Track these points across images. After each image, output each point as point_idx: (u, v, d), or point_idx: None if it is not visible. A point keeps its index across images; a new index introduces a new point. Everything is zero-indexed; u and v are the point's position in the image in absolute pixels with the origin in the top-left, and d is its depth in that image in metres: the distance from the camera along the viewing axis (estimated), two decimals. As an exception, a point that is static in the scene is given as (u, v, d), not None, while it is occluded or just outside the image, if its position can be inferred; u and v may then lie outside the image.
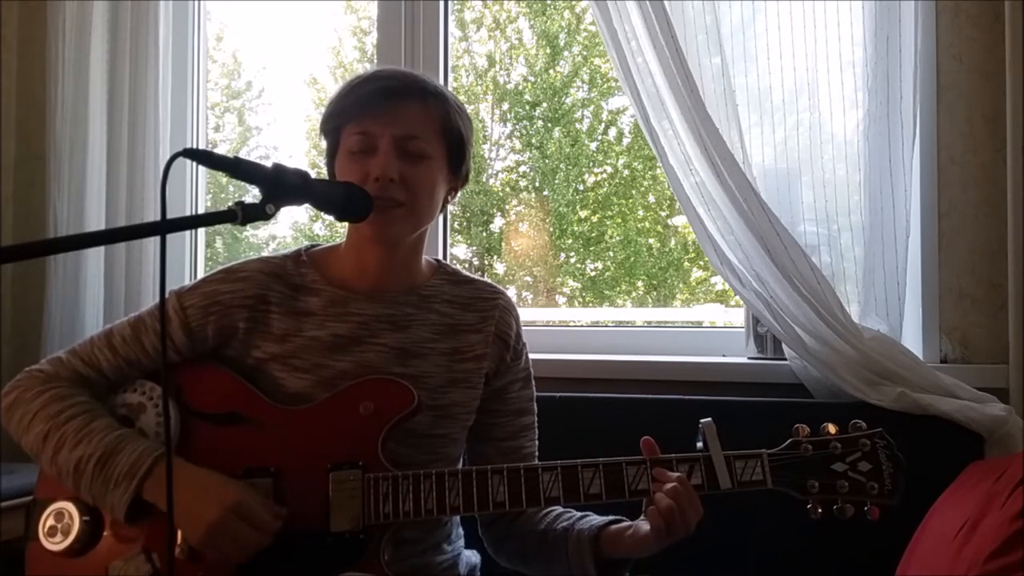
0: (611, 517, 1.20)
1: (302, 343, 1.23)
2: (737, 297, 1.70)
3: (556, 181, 2.66)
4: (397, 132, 1.20)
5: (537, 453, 1.36)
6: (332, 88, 2.74)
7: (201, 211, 2.33)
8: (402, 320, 1.27)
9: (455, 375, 1.28)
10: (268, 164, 1.02)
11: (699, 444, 1.15)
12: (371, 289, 1.27)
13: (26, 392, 1.19)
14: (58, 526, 1.17)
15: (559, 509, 1.27)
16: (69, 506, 1.17)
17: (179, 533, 1.13)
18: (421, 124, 1.22)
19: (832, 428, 1.15)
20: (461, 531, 1.37)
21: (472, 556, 1.38)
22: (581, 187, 2.69)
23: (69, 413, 1.16)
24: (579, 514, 1.25)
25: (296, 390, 1.21)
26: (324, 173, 1.30)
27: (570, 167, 2.66)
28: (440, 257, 2.13)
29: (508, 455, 1.31)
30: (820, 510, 1.12)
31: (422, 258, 1.33)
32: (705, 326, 2.33)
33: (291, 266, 1.28)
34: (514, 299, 1.39)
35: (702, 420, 1.15)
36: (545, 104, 2.72)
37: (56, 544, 1.16)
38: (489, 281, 1.37)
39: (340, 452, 1.15)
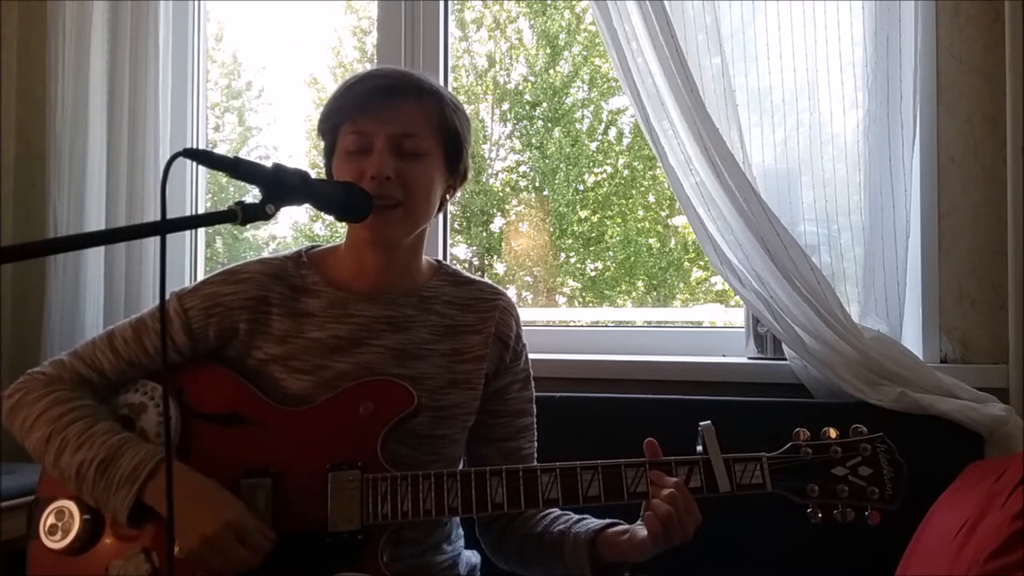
0: (608, 520, 1.20)
1: (303, 344, 1.23)
2: (737, 297, 1.70)
3: (556, 181, 2.67)
4: (392, 130, 1.19)
5: (536, 454, 1.36)
6: (332, 88, 2.74)
7: (201, 211, 2.33)
8: (402, 321, 1.27)
9: (455, 376, 1.28)
10: (268, 164, 1.02)
11: (699, 447, 1.15)
12: (371, 290, 1.27)
13: (28, 395, 1.20)
14: (59, 524, 1.17)
15: (557, 511, 1.27)
16: (70, 505, 1.17)
17: None
18: (416, 122, 1.22)
19: (833, 432, 1.15)
20: (461, 531, 1.37)
21: (472, 556, 1.38)
22: (581, 187, 2.69)
23: (71, 417, 1.16)
24: (576, 517, 1.24)
25: (297, 391, 1.21)
26: (324, 173, 1.30)
27: (570, 167, 2.66)
28: (440, 257, 2.13)
29: (507, 456, 1.31)
30: (820, 514, 1.12)
31: (422, 259, 1.32)
32: (705, 326, 2.33)
33: (291, 267, 1.28)
34: (514, 299, 1.39)
35: (701, 423, 1.15)
36: (545, 104, 2.72)
37: (56, 542, 1.16)
38: (489, 282, 1.37)
39: (340, 453, 1.15)
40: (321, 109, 1.28)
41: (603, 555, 1.17)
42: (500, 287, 1.37)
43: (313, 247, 1.34)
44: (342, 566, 1.10)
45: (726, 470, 1.12)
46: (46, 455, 1.15)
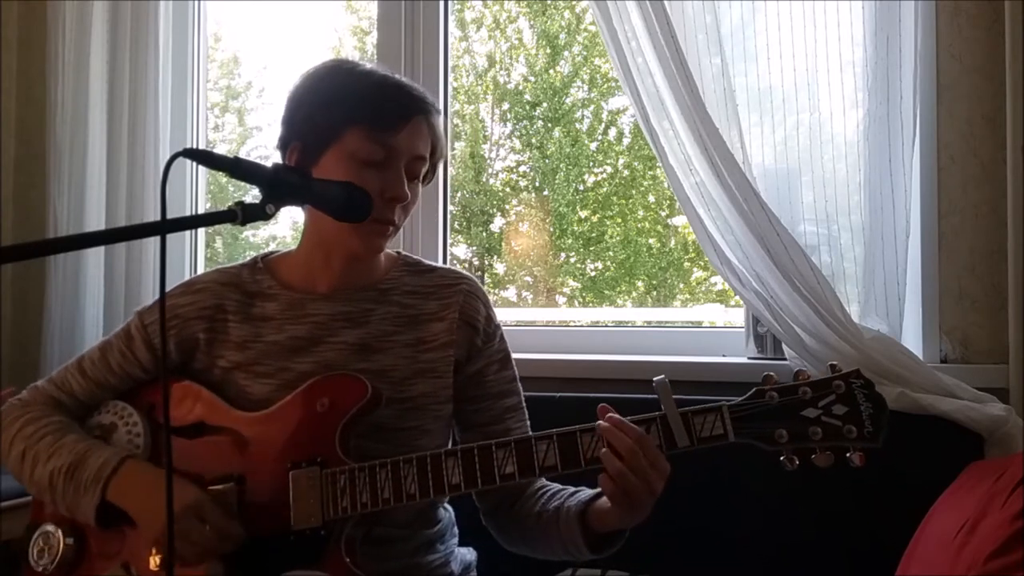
0: (597, 490, 1.14)
1: (263, 349, 1.24)
2: (737, 297, 1.70)
3: (556, 181, 2.66)
4: (413, 155, 1.21)
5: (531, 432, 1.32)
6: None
7: (201, 211, 2.33)
8: (360, 316, 1.27)
9: (421, 366, 1.26)
10: (268, 164, 1.02)
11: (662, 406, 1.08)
12: (329, 289, 1.28)
13: (5, 419, 1.23)
14: (45, 549, 1.20)
15: (554, 488, 1.25)
16: (54, 529, 1.21)
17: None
18: (426, 144, 1.23)
19: (806, 375, 1.05)
20: (456, 530, 1.37)
21: (467, 554, 1.37)
22: (581, 187, 2.69)
23: (42, 432, 1.20)
24: (571, 490, 1.22)
25: (262, 396, 1.22)
26: (290, 157, 1.24)
27: (570, 167, 2.65)
28: (440, 257, 2.13)
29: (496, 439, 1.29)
30: (797, 461, 1.02)
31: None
32: (705, 326, 2.33)
33: (247, 274, 1.30)
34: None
35: (655, 379, 1.07)
36: (545, 104, 2.71)
37: (43, 566, 1.19)
38: (453, 268, 1.37)
39: (299, 451, 1.15)
40: (319, 95, 1.20)
41: (594, 526, 1.14)
42: (464, 271, 1.36)
43: (269, 253, 1.35)
44: (306, 564, 1.10)
45: (684, 424, 1.05)
46: (23, 471, 1.19)
